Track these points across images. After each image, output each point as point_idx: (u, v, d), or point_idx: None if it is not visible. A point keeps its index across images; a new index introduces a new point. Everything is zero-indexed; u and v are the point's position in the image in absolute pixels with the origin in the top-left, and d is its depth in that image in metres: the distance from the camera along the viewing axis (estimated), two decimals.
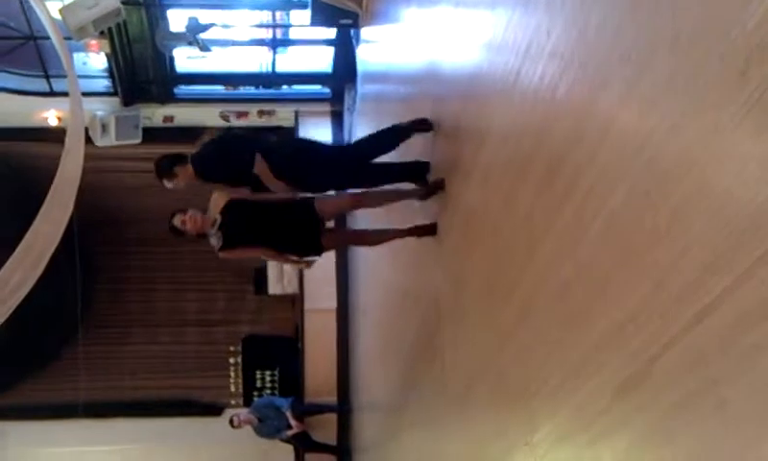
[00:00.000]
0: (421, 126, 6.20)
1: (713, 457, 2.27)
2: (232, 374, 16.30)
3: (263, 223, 6.32)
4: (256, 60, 14.52)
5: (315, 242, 6.42)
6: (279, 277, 15.29)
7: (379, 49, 10.45)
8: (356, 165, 6.50)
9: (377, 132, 6.80)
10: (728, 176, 2.08)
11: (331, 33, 13.98)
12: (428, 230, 6.08)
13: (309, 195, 6.39)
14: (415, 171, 6.41)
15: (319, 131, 14.39)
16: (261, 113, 14.40)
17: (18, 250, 8.77)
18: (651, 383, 2.57)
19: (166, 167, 6.48)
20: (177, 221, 6.32)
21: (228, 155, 6.54)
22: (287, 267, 14.94)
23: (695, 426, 2.33)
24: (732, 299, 2.08)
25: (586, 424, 3.15)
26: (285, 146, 6.90)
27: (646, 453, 2.70)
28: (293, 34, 15.00)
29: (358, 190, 6.57)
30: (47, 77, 13.27)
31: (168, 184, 6.53)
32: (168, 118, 14.31)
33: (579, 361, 3.15)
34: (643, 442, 2.71)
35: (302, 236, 6.40)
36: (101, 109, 13.50)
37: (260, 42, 14.29)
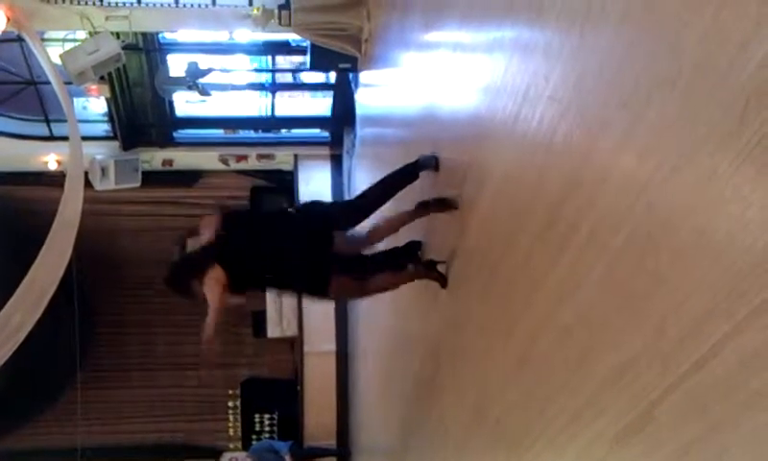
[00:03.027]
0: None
1: None
2: (231, 417, 16.23)
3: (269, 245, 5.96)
4: (256, 104, 14.58)
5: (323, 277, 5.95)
6: (278, 320, 15.24)
7: (378, 93, 10.50)
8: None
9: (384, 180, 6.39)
10: (728, 220, 2.07)
11: (330, 77, 14.07)
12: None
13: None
14: (407, 252, 6.42)
15: (318, 174, 14.44)
16: (260, 157, 14.44)
17: (17, 293, 8.75)
18: (651, 430, 2.54)
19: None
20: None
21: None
22: (286, 310, 14.93)
23: None
24: (733, 345, 2.07)
25: None
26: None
27: None
28: (292, 78, 15.08)
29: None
30: (47, 121, 13.32)
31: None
32: (167, 162, 14.34)
33: (579, 407, 3.13)
34: None
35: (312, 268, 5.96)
36: (100, 152, 13.54)
37: (259, 87, 14.36)
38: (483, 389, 4.69)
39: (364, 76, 11.60)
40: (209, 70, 12.56)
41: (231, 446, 16.01)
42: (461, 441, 5.32)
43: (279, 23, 10.91)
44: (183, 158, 14.35)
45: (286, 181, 14.67)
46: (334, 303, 13.78)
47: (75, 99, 12.17)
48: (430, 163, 5.86)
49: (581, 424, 3.13)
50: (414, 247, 6.41)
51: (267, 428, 15.89)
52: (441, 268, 5.80)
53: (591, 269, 2.97)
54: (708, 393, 2.20)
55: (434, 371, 6.11)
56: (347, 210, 6.54)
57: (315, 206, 6.48)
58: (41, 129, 13.47)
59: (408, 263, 6.29)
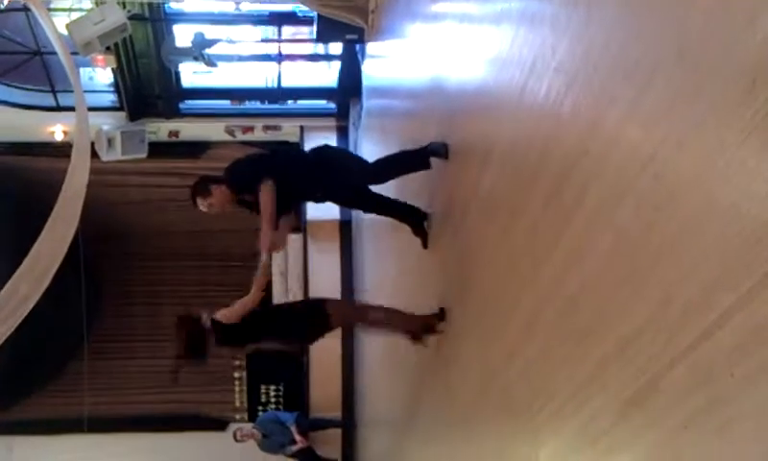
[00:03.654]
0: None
1: None
2: (237, 388, 16.28)
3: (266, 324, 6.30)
4: (262, 75, 14.54)
5: (321, 320, 6.27)
6: (284, 292, 15.25)
7: (385, 64, 10.46)
8: (366, 187, 6.66)
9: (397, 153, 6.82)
10: (734, 192, 2.06)
11: (337, 48, 14.02)
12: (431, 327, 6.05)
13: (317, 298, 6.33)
14: (413, 213, 6.60)
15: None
16: (266, 128, 14.40)
17: (24, 264, 8.77)
18: (656, 401, 2.55)
19: (201, 186, 6.31)
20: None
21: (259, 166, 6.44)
22: (292, 282, 14.95)
23: (700, 447, 2.32)
24: (738, 316, 2.07)
25: (591, 442, 3.14)
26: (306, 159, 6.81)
27: None
28: (299, 49, 15.03)
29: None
30: (53, 92, 13.29)
31: (202, 205, 6.32)
32: (174, 133, 14.30)
33: (584, 378, 3.14)
34: None
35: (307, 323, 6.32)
36: (107, 123, 13.50)
37: (266, 57, 14.31)
38: (488, 360, 4.70)
39: (371, 47, 11.56)
40: (216, 41, 12.52)
41: (237, 417, 16.06)
42: (466, 412, 5.33)
43: None
44: (190, 130, 14.32)
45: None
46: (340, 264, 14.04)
47: (81, 69, 12.13)
48: (440, 151, 5.90)
49: (585, 396, 3.14)
50: (420, 215, 6.48)
51: (273, 400, 15.95)
52: (448, 236, 5.82)
53: (597, 240, 2.97)
54: (712, 365, 2.20)
55: (439, 342, 6.12)
56: (362, 169, 6.77)
57: (328, 150, 7.03)
58: (48, 99, 13.44)
59: (408, 222, 6.66)
